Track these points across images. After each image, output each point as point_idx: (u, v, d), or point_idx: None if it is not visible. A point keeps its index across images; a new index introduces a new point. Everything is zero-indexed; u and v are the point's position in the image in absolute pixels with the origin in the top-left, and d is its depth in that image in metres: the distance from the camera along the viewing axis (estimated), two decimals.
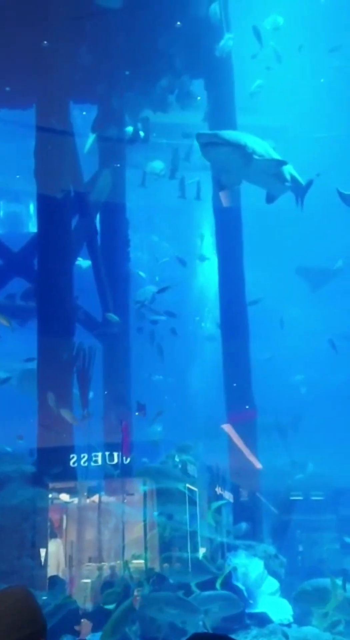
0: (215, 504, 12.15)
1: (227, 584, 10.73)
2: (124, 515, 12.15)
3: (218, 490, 13.57)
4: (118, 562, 11.72)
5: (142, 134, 14.70)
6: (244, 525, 13.36)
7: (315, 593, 10.29)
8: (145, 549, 11.55)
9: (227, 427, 14.64)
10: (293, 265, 23.26)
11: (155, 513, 12.01)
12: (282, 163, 10.14)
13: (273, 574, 12.17)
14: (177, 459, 13.43)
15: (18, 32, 12.75)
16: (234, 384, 14.78)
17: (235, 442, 14.59)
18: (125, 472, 12.26)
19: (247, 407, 14.75)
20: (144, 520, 11.84)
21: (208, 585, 10.44)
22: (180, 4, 13.17)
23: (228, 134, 9.72)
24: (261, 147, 9.99)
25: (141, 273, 17.52)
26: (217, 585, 10.41)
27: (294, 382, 23.40)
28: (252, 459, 14.43)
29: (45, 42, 13.27)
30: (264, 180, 10.57)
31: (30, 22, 12.76)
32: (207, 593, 10.30)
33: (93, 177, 14.78)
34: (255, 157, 9.66)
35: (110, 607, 9.81)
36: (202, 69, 14.60)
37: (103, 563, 11.92)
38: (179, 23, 13.97)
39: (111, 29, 13.74)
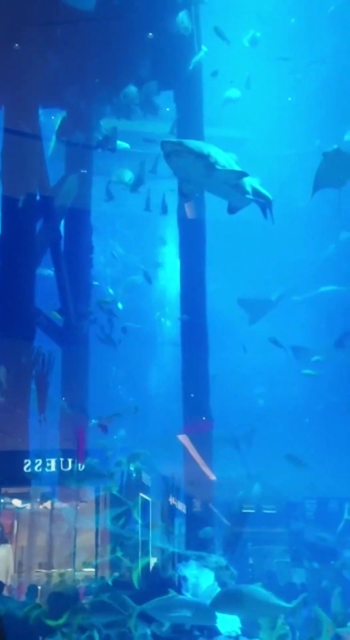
0: (116, 512, 12.12)
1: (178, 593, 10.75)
2: (76, 522, 12.11)
3: (171, 500, 13.60)
4: (68, 569, 11.66)
5: (125, 145, 14.66)
6: (209, 530, 13.48)
7: (232, 598, 10.23)
8: (96, 556, 11.53)
9: (183, 438, 14.69)
10: (254, 278, 23.41)
11: (108, 521, 11.99)
12: (243, 174, 10.23)
13: (223, 585, 12.21)
14: (131, 467, 13.43)
15: None
16: (192, 395, 14.85)
17: (190, 453, 14.64)
18: (79, 478, 12.22)
19: (203, 418, 14.83)
20: (96, 528, 11.81)
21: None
22: (152, 15, 13.22)
23: (192, 143, 9.84)
24: (224, 158, 10.11)
25: (95, 282, 17.42)
26: (134, 580, 10.45)
27: (252, 394, 23.58)
28: (207, 470, 14.50)
29: (16, 45, 13.26)
30: (226, 191, 10.67)
31: (0, 25, 12.73)
32: (180, 598, 10.31)
33: (59, 182, 14.77)
34: (218, 167, 9.77)
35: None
36: (172, 80, 14.69)
37: (53, 570, 11.85)
38: (150, 34, 14.06)
39: (82, 35, 13.77)
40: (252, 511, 16.56)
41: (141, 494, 13.05)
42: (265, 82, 17.84)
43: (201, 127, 15.32)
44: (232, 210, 11.26)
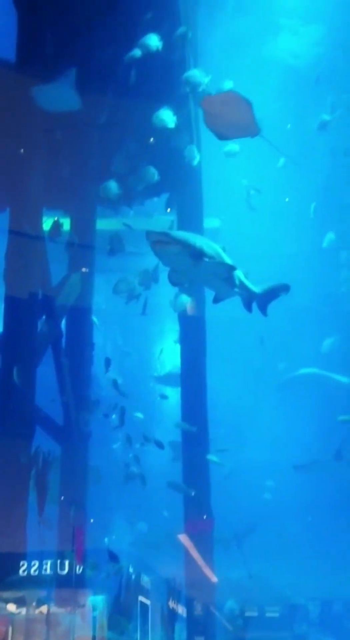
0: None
1: None
2: (74, 628, 11.77)
3: (171, 603, 13.30)
4: None
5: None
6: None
7: None
8: None
9: (183, 538, 14.45)
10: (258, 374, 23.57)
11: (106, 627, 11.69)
12: (231, 268, 10.27)
13: None
14: (131, 570, 13.18)
15: None
16: (192, 493, 14.67)
17: (191, 553, 14.37)
18: (76, 582, 11.96)
19: (204, 516, 14.61)
20: (93, 635, 11.49)
21: None
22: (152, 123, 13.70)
23: (178, 234, 9.91)
24: (211, 249, 10.14)
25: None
26: None
27: (258, 489, 23.29)
28: (208, 571, 14.20)
29: (22, 150, 13.75)
30: (213, 283, 10.69)
31: (7, 131, 13.24)
32: None
33: (61, 281, 15.03)
34: (205, 259, 9.81)
35: None
36: (173, 182, 15.14)
37: None
38: (152, 139, 14.59)
39: (85, 139, 14.28)
40: (255, 614, 16.15)
41: (140, 597, 12.76)
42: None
43: (201, 223, 15.71)
44: (216, 300, 11.31)
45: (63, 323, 15.15)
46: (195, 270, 9.98)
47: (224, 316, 14.42)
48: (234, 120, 9.88)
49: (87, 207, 15.48)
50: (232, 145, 16.38)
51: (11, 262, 13.38)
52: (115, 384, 16.79)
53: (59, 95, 12.53)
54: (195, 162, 14.35)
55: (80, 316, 15.35)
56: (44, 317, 14.26)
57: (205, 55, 15.89)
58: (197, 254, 9.66)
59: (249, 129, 10.04)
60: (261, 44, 19.04)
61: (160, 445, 15.86)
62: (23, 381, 12.99)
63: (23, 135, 13.49)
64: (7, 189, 14.05)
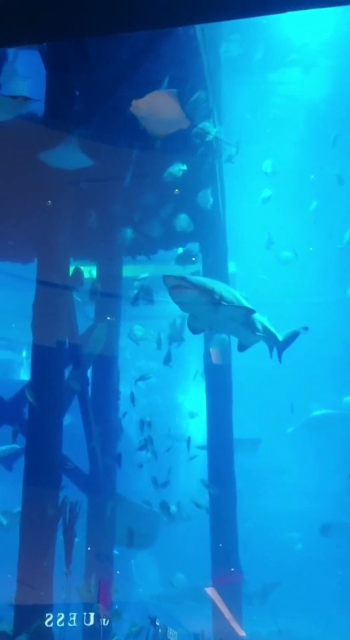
0: None
1: None
2: None
3: None
4: None
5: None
6: None
7: None
8: None
9: (210, 591, 14.19)
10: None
11: None
12: (250, 311, 10.22)
13: None
14: (157, 623, 12.92)
15: (23, 192, 13.48)
16: (220, 544, 14.47)
17: (218, 607, 14.10)
18: (103, 634, 11.75)
19: (232, 569, 14.37)
20: None
21: None
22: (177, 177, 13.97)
23: (195, 279, 9.94)
24: (230, 294, 10.12)
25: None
26: None
27: (287, 540, 22.90)
28: (236, 625, 13.89)
29: (49, 202, 14.03)
30: (234, 328, 10.64)
31: (35, 184, 13.54)
32: None
33: (88, 330, 15.15)
34: (223, 303, 9.78)
35: None
36: (198, 233, 15.33)
37: None
38: (177, 190, 14.82)
39: (111, 194, 14.55)
40: None
41: None
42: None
43: (226, 270, 15.83)
44: (241, 348, 11.24)
45: (89, 371, 15.23)
46: (214, 315, 10.00)
47: (250, 363, 14.45)
48: (164, 116, 10.18)
49: (113, 255, 15.70)
50: (266, 191, 16.75)
51: (39, 312, 13.53)
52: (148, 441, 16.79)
53: (67, 157, 12.86)
54: (209, 206, 14.50)
55: (106, 364, 15.43)
56: (70, 365, 14.33)
57: (229, 110, 16.27)
58: (215, 299, 9.69)
59: (179, 121, 10.36)
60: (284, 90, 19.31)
61: (198, 505, 15.59)
62: (50, 430, 13.02)
63: (50, 187, 13.77)
64: (35, 240, 14.32)
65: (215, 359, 15.17)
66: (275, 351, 11.27)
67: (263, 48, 17.65)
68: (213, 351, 15.06)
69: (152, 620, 12.25)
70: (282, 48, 17.79)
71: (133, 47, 12.87)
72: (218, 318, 10.13)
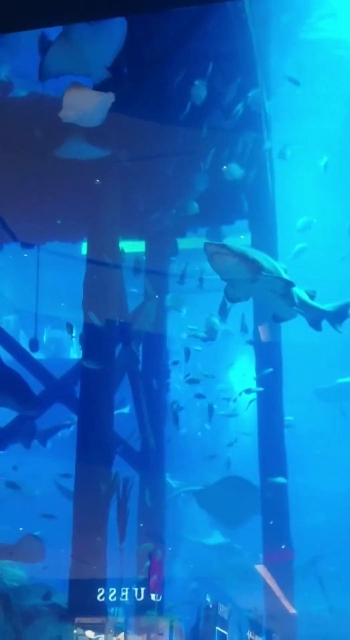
0: None
1: None
2: None
3: (250, 635, 13.04)
4: None
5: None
6: None
7: None
8: None
9: (261, 569, 14.21)
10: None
11: None
12: (290, 284, 10.02)
13: None
14: (208, 599, 13.01)
15: (72, 171, 13.51)
16: (271, 522, 14.45)
17: (269, 584, 14.12)
18: (155, 609, 11.90)
19: (283, 546, 14.35)
20: None
21: None
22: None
23: (236, 247, 9.78)
24: (270, 264, 9.94)
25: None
26: None
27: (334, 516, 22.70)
28: (286, 603, 13.90)
29: (97, 180, 14.05)
30: (271, 300, 10.45)
31: (83, 163, 13.55)
32: None
33: (138, 308, 15.19)
34: (263, 273, 9.61)
35: None
36: (246, 213, 15.17)
37: None
38: (224, 167, 14.67)
39: (159, 175, 14.44)
40: None
41: (218, 627, 12.57)
42: None
43: (276, 253, 15.65)
44: (276, 319, 11.05)
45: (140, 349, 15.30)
46: (253, 285, 9.83)
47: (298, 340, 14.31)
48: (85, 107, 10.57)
49: (161, 234, 15.67)
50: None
51: (89, 291, 13.62)
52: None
53: (78, 150, 12.84)
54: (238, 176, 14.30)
55: (155, 343, 15.47)
56: (121, 343, 14.42)
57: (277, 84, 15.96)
58: (255, 268, 9.54)
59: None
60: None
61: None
62: (101, 407, 13.15)
63: (97, 167, 13.78)
64: (85, 220, 14.38)
65: (263, 336, 15.02)
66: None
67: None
68: (261, 328, 14.89)
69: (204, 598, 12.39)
70: None
71: (179, 23, 12.71)
72: (256, 288, 9.97)
